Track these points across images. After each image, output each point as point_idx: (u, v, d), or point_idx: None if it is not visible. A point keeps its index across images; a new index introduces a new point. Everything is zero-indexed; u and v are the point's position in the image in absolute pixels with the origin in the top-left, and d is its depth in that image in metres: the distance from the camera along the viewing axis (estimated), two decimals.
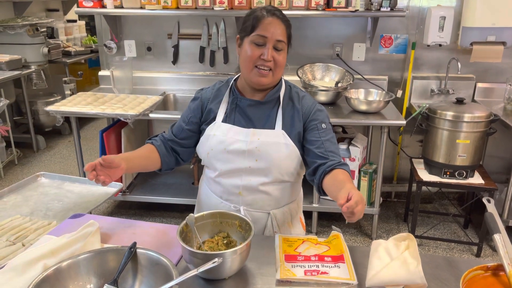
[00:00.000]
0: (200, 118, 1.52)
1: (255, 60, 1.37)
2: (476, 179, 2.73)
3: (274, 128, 1.43)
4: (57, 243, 1.22)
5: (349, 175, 1.37)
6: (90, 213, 1.60)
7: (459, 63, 2.85)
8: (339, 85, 3.01)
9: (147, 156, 1.48)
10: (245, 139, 1.42)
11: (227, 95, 1.49)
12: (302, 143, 1.46)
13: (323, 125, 1.45)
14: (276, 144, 1.41)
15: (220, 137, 1.44)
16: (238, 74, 1.50)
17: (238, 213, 1.32)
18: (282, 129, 1.43)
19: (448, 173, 2.72)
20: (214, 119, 1.48)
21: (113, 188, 1.76)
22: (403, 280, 1.12)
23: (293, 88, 1.51)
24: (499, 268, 1.11)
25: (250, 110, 1.46)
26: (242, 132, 1.43)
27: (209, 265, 1.05)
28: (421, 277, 1.12)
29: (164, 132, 1.58)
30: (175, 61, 3.34)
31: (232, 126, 1.45)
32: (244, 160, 1.42)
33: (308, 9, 2.86)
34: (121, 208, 3.37)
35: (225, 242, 1.26)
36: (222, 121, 1.46)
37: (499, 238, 1.14)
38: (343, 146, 2.84)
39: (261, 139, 1.42)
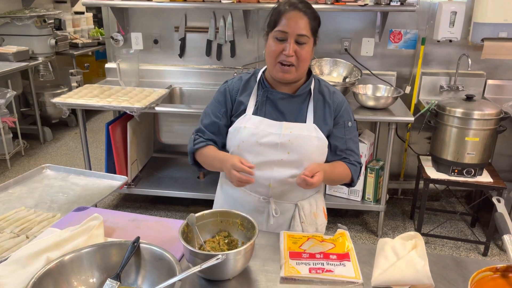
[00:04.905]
0: (231, 110, 1.51)
1: (278, 56, 1.37)
2: (485, 178, 2.69)
3: (305, 122, 1.45)
4: (61, 236, 1.21)
5: (348, 170, 1.49)
6: (95, 206, 1.59)
7: (469, 60, 2.81)
8: (347, 80, 2.97)
9: None
10: (278, 132, 1.43)
11: (256, 88, 1.49)
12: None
13: (349, 123, 1.51)
14: (308, 138, 1.43)
15: (252, 129, 1.44)
16: (265, 67, 1.49)
17: (267, 203, 1.42)
18: (314, 122, 1.45)
19: (456, 171, 2.69)
20: (244, 111, 1.48)
21: (118, 181, 1.75)
22: (410, 280, 1.11)
23: (321, 82, 1.52)
24: (509, 269, 1.09)
25: (281, 103, 1.46)
26: (274, 125, 1.44)
27: (212, 262, 1.03)
28: (428, 277, 1.10)
29: (198, 135, 1.54)
30: (181, 54, 3.32)
31: (263, 119, 1.45)
32: (277, 152, 1.43)
33: (316, 2, 2.82)
34: (126, 201, 3.38)
35: (226, 241, 1.25)
36: (253, 114, 1.46)
37: (509, 239, 1.12)
38: None
39: (293, 132, 1.43)
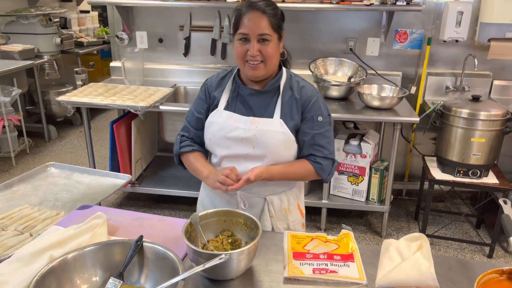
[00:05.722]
0: (208, 105, 1.56)
1: (244, 56, 1.42)
2: (490, 179, 2.67)
3: (272, 117, 1.47)
4: (64, 234, 1.21)
5: (310, 168, 1.48)
6: (99, 204, 1.59)
7: (475, 60, 2.79)
8: (352, 80, 2.96)
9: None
10: (244, 127, 1.46)
11: (230, 84, 1.53)
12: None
13: (319, 118, 1.49)
14: (273, 132, 1.45)
15: (221, 124, 1.49)
16: None
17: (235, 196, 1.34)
18: (281, 117, 1.46)
19: (461, 172, 2.67)
20: (217, 106, 1.52)
21: (122, 179, 1.75)
22: (415, 282, 1.10)
23: (293, 77, 1.53)
24: None
25: (251, 99, 1.50)
26: (241, 119, 1.48)
27: (215, 261, 1.03)
28: (433, 279, 1.09)
29: (184, 136, 1.59)
30: (186, 53, 3.32)
31: (232, 114, 1.49)
32: (243, 146, 1.47)
33: (322, 2, 2.81)
34: (130, 199, 3.38)
35: (229, 241, 1.24)
36: (224, 109, 1.51)
37: None
38: (354, 142, 2.80)
39: (259, 127, 1.45)
